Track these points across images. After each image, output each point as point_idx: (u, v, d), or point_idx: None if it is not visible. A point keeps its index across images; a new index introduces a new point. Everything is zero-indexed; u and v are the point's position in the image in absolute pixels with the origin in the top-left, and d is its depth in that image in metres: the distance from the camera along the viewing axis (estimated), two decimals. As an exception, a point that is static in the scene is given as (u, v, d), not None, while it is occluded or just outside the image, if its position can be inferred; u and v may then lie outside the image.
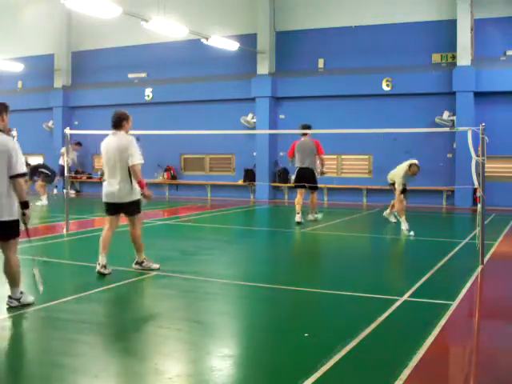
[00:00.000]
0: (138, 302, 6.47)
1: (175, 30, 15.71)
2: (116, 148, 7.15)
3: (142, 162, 7.16)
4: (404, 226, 11.21)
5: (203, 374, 4.31)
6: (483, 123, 8.28)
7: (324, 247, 10.42)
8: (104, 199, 7.33)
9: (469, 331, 5.50)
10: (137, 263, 7.49)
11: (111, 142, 7.28)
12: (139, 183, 7.11)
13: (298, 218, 12.63)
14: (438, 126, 16.98)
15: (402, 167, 11.66)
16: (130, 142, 7.15)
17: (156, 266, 7.52)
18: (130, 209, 7.24)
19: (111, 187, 7.19)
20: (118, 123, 7.27)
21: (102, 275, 7.14)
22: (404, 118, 16.97)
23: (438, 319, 5.45)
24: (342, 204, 17.76)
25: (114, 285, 6.84)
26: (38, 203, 16.88)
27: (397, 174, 11.69)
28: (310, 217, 13.15)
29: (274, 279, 7.74)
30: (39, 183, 17.31)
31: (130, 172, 7.08)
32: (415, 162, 11.58)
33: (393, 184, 11.90)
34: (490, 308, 6.35)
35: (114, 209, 7.29)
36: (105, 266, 7.18)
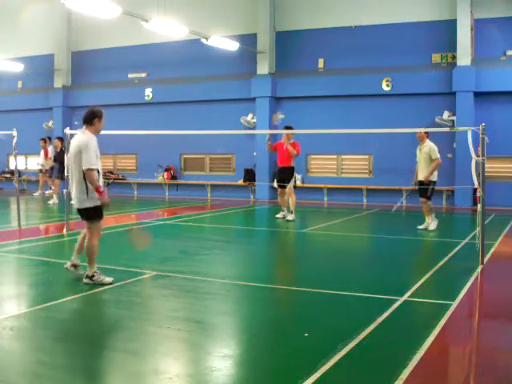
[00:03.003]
0: (138, 301, 6.47)
1: (175, 30, 15.70)
2: (73, 147, 6.73)
3: (93, 167, 6.56)
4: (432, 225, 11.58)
5: (203, 374, 4.31)
6: (483, 123, 8.28)
7: (324, 247, 10.42)
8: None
9: (469, 331, 5.50)
10: (87, 277, 6.83)
11: (74, 141, 6.82)
12: (96, 190, 6.64)
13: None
14: (438, 126, 16.98)
15: None
16: (85, 144, 6.59)
17: (109, 279, 6.87)
18: (85, 214, 6.83)
19: (72, 191, 6.88)
20: (89, 120, 6.80)
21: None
22: (404, 118, 16.98)
23: (438, 319, 5.45)
24: (342, 204, 17.76)
25: (113, 285, 6.84)
26: (50, 202, 17.07)
27: None
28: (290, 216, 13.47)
29: (274, 279, 7.75)
30: (56, 182, 17.48)
31: (85, 176, 6.62)
32: None
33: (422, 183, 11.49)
34: (490, 308, 6.35)
35: (79, 212, 6.96)
36: (75, 266, 7.16)
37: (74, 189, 6.79)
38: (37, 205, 17.53)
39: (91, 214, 6.81)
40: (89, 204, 6.74)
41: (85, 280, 6.85)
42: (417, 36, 17.53)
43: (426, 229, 11.59)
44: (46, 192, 19.29)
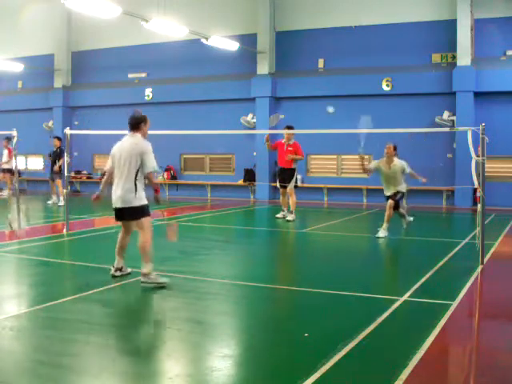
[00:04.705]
0: (138, 302, 6.47)
1: (175, 30, 15.70)
2: (129, 151, 6.83)
3: (156, 169, 6.91)
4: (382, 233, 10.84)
5: (203, 374, 4.31)
6: (483, 123, 8.28)
7: (324, 247, 10.42)
8: (113, 204, 6.99)
9: (469, 331, 5.50)
10: (143, 275, 6.78)
11: (126, 144, 6.94)
12: (155, 188, 6.97)
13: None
14: (438, 126, 16.98)
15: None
16: (146, 148, 6.83)
17: (163, 280, 6.81)
18: (135, 213, 6.90)
19: (117, 191, 6.89)
20: (135, 125, 6.95)
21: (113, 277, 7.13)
22: (404, 118, 16.97)
23: (438, 319, 5.45)
24: (342, 204, 17.75)
25: (113, 285, 6.84)
26: (50, 202, 17.01)
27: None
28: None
29: (274, 279, 7.75)
30: (52, 182, 17.35)
31: (137, 178, 6.80)
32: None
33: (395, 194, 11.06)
34: (490, 308, 6.35)
35: (120, 214, 7.00)
36: (119, 269, 7.20)
37: (119, 189, 6.83)
38: (37, 205, 17.53)
39: (139, 213, 6.87)
40: (137, 203, 6.83)
41: (142, 279, 6.75)
42: (417, 36, 17.53)
43: (385, 237, 10.77)
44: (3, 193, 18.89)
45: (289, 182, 13.22)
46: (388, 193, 11.16)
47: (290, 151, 13.19)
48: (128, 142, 6.94)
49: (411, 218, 11.81)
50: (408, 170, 11.06)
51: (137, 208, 6.86)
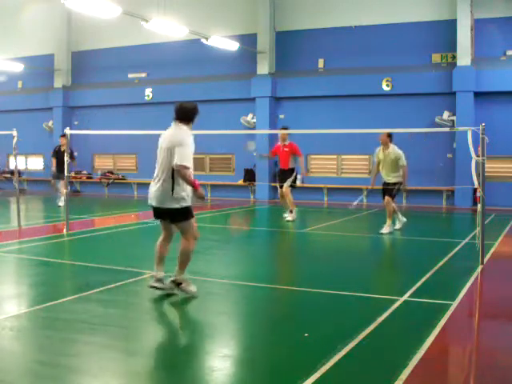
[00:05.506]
0: (138, 302, 6.46)
1: (175, 30, 15.70)
2: (167, 142, 6.11)
3: (187, 164, 6.01)
4: (385, 229, 10.87)
5: (203, 373, 4.31)
6: (483, 123, 8.28)
7: (324, 247, 10.42)
8: (148, 200, 6.26)
9: (469, 331, 5.49)
10: (173, 282, 6.20)
11: (167, 134, 6.23)
12: (192, 185, 6.10)
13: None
14: (438, 126, 16.99)
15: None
16: (181, 140, 6.03)
17: (194, 290, 6.26)
18: (173, 216, 6.14)
19: (152, 187, 6.14)
20: (190, 118, 6.34)
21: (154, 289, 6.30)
22: (404, 118, 16.97)
23: (438, 319, 5.45)
24: (342, 204, 17.74)
25: (113, 285, 6.84)
26: (61, 203, 16.88)
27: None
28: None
29: (274, 279, 7.75)
30: (53, 182, 17.22)
31: (174, 175, 5.99)
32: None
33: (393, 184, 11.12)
34: (490, 308, 6.35)
35: (157, 213, 6.23)
36: (159, 280, 6.28)
37: (155, 185, 6.10)
38: (36, 205, 17.53)
39: (178, 215, 6.14)
40: (175, 204, 6.03)
41: (168, 284, 6.23)
42: (417, 36, 17.54)
43: (391, 232, 10.87)
44: None
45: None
46: (384, 177, 11.10)
47: (286, 152, 13.25)
48: (169, 133, 6.22)
49: (405, 219, 11.75)
50: (403, 162, 10.90)
51: (175, 210, 6.07)
